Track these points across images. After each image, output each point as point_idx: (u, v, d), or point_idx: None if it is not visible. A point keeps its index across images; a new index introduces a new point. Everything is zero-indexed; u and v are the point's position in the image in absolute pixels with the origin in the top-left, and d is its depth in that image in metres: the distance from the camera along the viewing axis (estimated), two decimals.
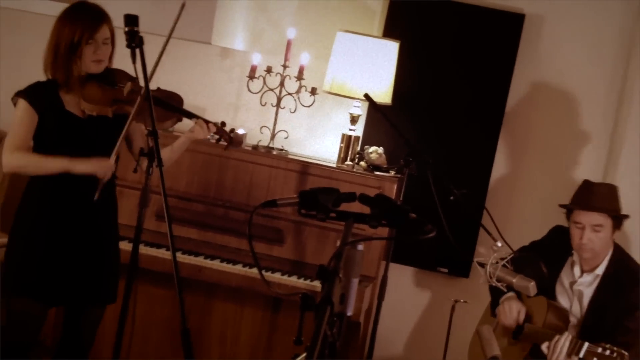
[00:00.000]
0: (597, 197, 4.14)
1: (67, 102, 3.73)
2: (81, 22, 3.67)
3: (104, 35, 3.72)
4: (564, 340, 3.85)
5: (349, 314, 2.57)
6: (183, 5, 3.58)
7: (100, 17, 3.72)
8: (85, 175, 3.65)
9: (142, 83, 3.53)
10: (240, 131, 4.88)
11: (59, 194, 3.72)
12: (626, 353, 3.69)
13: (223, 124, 4.06)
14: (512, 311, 4.24)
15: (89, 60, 3.70)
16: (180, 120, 3.97)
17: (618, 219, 4.16)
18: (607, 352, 3.71)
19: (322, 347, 2.32)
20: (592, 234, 4.11)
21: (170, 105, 3.88)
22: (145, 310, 4.76)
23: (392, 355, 5.44)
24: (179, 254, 4.52)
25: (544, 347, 3.94)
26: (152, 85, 3.66)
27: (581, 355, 3.78)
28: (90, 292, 3.83)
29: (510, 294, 4.27)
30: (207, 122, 3.96)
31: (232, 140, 4.06)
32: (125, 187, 4.77)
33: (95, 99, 3.72)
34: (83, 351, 3.96)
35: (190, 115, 3.94)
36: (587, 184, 4.24)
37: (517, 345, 4.23)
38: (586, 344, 3.78)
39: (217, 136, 4.04)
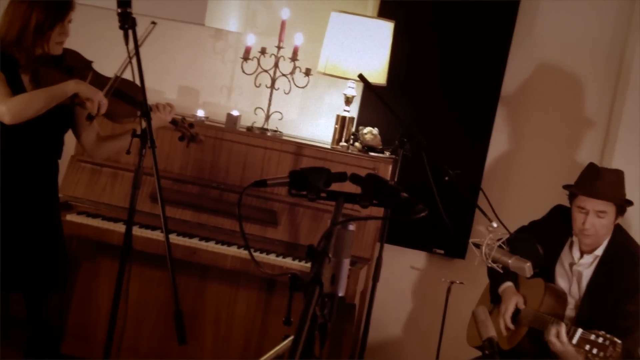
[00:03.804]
0: (604, 184, 4.06)
1: (25, 82, 3.71)
2: (53, 7, 3.66)
3: (70, 17, 3.73)
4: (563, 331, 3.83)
5: (340, 294, 2.54)
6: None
7: (69, 1, 3.72)
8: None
9: (135, 65, 3.49)
10: (234, 113, 4.89)
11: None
12: (619, 341, 3.64)
13: (183, 119, 4.13)
14: (507, 311, 4.20)
15: (54, 43, 3.70)
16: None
17: (622, 207, 4.10)
18: (600, 340, 3.67)
19: (312, 328, 2.31)
20: (596, 220, 4.06)
21: (129, 97, 3.83)
22: (140, 292, 4.77)
23: (388, 337, 5.43)
24: (173, 236, 4.52)
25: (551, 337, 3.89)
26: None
27: (574, 341, 3.76)
28: (36, 276, 3.80)
29: (508, 284, 4.26)
30: (158, 105, 3.97)
31: (193, 137, 4.14)
32: (119, 169, 4.78)
33: (52, 84, 3.68)
34: (54, 341, 3.98)
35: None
36: (593, 169, 4.17)
37: (514, 327, 4.21)
38: (579, 331, 3.76)
39: (179, 134, 4.11)
